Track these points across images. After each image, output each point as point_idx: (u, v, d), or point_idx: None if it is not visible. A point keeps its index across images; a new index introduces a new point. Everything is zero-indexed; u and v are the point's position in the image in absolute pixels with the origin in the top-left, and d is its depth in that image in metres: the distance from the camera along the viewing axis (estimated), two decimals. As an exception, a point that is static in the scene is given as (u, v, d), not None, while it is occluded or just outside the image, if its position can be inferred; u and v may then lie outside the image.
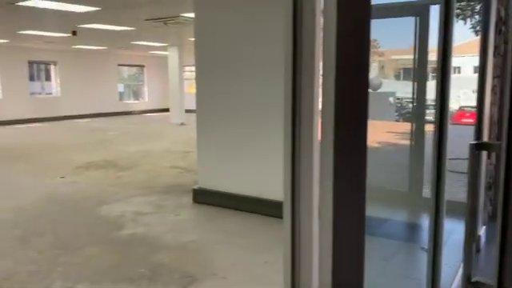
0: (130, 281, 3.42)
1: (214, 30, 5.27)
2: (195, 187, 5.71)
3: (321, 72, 1.03)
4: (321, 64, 1.03)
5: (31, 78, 17.51)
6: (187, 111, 16.61)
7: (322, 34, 1.04)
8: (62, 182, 6.87)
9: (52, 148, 10.50)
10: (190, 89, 19.79)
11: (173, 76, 16.42)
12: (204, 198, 5.54)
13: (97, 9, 8.22)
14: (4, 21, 10.19)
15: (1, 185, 6.75)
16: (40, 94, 18.05)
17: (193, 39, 5.89)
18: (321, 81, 1.03)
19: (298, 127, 1.03)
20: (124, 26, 10.69)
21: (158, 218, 5.08)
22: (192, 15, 8.13)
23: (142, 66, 21.81)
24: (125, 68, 21.62)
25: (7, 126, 15.30)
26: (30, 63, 17.21)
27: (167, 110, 17.80)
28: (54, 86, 18.32)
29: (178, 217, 5.12)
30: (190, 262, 3.79)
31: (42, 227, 4.73)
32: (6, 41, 14.23)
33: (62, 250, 4.10)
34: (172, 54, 16.20)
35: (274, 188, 4.91)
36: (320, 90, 1.03)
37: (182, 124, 15.79)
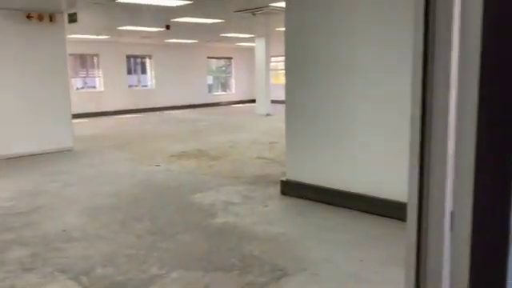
0: (222, 271, 3.47)
1: (305, 21, 5.14)
2: (283, 179, 5.68)
3: (456, 61, 0.90)
4: (457, 52, 0.89)
5: (129, 72, 18.71)
6: (273, 102, 16.68)
7: (459, 17, 0.90)
8: (157, 170, 7.24)
9: (147, 137, 11.14)
10: (276, 79, 19.82)
11: (259, 67, 16.53)
12: (292, 190, 5.49)
13: (189, 2, 8.49)
14: (106, 17, 10.96)
15: (104, 171, 7.28)
16: (136, 86, 19.23)
17: (280, 29, 5.84)
18: (456, 69, 0.90)
19: (429, 121, 0.90)
20: (213, 18, 10.95)
21: (247, 208, 5.12)
22: (281, 4, 8.07)
23: (229, 58, 22.31)
24: (213, 60, 22.25)
25: (108, 117, 16.54)
26: (128, 57, 18.39)
27: (253, 101, 18.03)
28: (149, 78, 19.42)
29: (266, 208, 5.12)
30: (280, 255, 3.75)
31: (140, 212, 5.00)
32: (107, 37, 15.32)
33: (159, 235, 4.29)
34: (259, 45, 16.31)
35: (370, 184, 4.72)
36: (455, 81, 0.90)
37: (268, 115, 15.90)
